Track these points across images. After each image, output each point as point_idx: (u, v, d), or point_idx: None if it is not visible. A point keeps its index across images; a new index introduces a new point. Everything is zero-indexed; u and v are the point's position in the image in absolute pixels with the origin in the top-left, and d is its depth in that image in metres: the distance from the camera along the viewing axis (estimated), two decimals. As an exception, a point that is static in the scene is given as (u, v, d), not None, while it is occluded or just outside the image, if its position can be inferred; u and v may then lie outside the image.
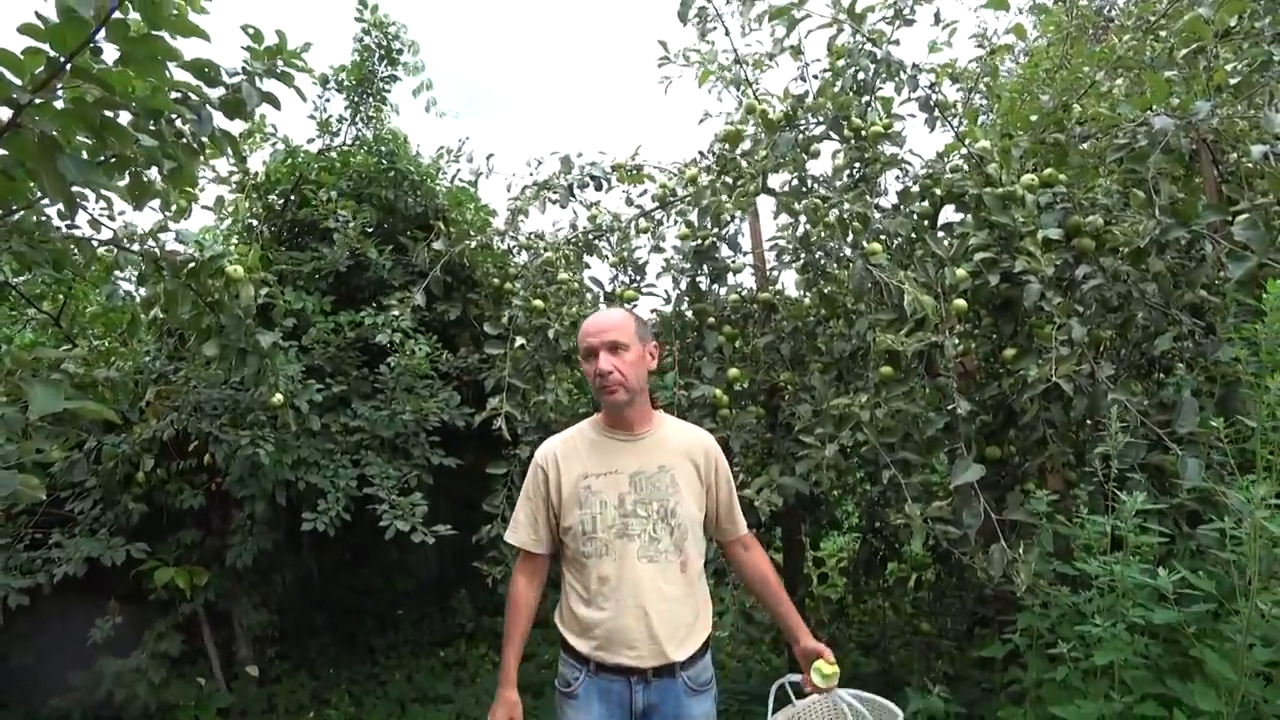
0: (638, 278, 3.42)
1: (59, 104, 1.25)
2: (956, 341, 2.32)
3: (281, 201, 3.91)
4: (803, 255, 2.90)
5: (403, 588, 4.56)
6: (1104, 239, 2.59)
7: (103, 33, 1.27)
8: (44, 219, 2.23)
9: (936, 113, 2.89)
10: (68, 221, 2.36)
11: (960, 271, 2.47)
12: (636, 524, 1.71)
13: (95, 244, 2.44)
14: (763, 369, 3.00)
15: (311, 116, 3.98)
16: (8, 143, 1.26)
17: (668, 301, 3.32)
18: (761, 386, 3.14)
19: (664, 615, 1.68)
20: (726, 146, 2.99)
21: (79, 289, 3.32)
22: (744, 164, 2.89)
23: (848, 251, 2.66)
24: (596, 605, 1.71)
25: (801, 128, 2.97)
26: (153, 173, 2.27)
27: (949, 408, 2.23)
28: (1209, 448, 2.16)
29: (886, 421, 2.30)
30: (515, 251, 3.71)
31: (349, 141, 4.05)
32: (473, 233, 3.66)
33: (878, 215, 2.77)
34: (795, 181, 2.86)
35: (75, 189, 2.32)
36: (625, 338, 1.72)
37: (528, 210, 3.56)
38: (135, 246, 2.57)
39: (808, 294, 3.29)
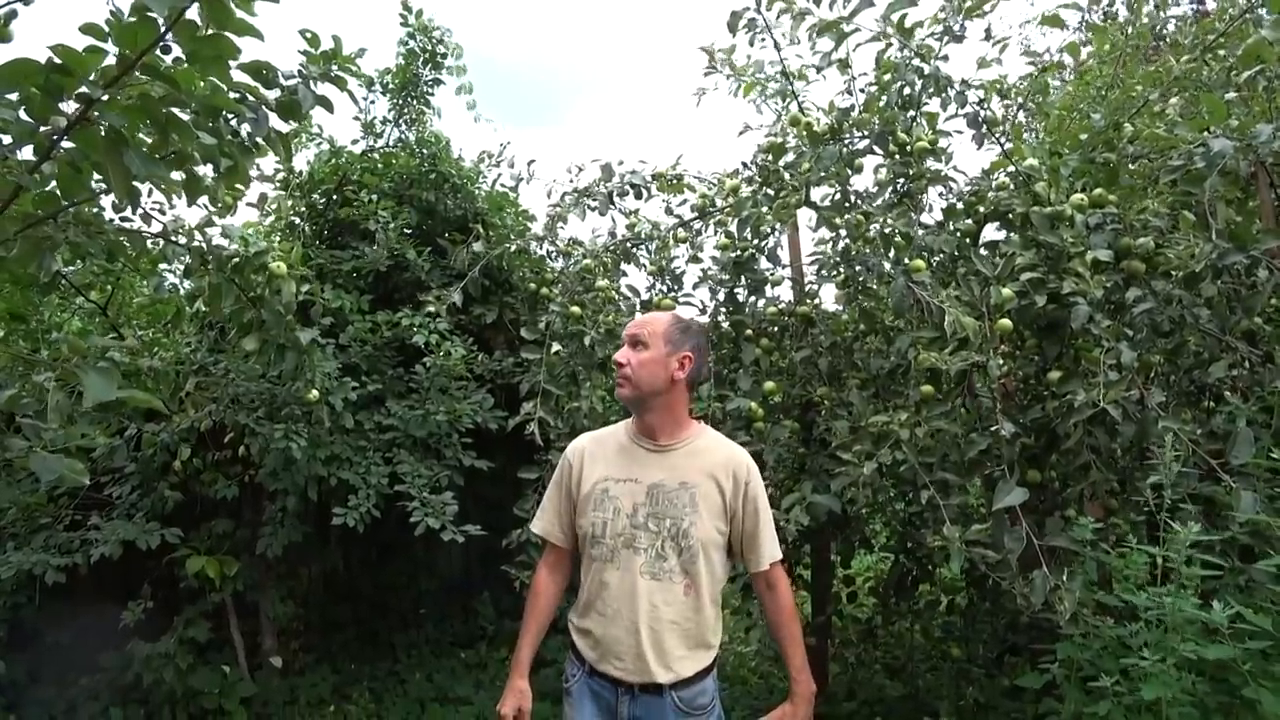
0: (675, 287, 3.41)
1: (126, 100, 1.28)
2: (1001, 362, 2.27)
3: (324, 201, 3.97)
4: (843, 270, 2.87)
5: (426, 587, 4.58)
6: (1154, 262, 2.53)
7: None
8: (99, 209, 2.29)
9: (985, 129, 2.85)
10: (122, 214, 2.43)
11: (1006, 291, 2.42)
12: (644, 537, 1.67)
13: (146, 237, 2.50)
14: (799, 383, 2.97)
15: (356, 118, 4.04)
16: (76, 136, 1.29)
17: (703, 312, 3.31)
18: (795, 401, 3.11)
19: (656, 636, 1.63)
20: (769, 158, 2.97)
21: (126, 280, 3.40)
22: (786, 176, 2.86)
23: (889, 267, 2.62)
24: (595, 610, 1.69)
25: (846, 141, 2.95)
26: (205, 170, 2.33)
27: (992, 429, 2.18)
28: (1263, 480, 2.09)
29: (926, 441, 2.26)
30: (553, 256, 3.72)
31: (392, 143, 4.10)
32: (513, 236, 3.68)
33: (921, 232, 2.74)
34: (838, 195, 2.83)
35: (136, 192, 2.40)
36: (650, 336, 1.69)
37: (567, 217, 3.57)
38: (183, 240, 2.62)
39: (845, 309, 3.26)
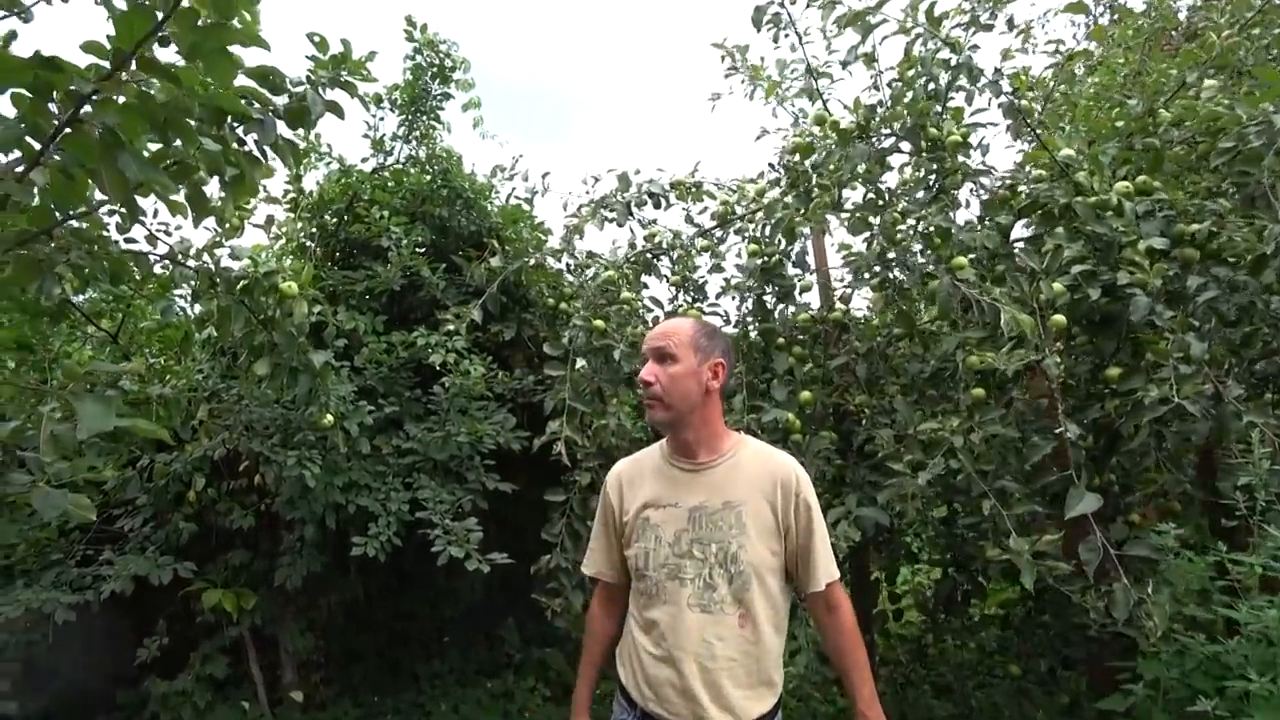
0: (698, 298, 3.28)
1: (121, 99, 1.17)
2: (1058, 360, 2.12)
3: (335, 221, 3.89)
4: (877, 272, 2.73)
5: (449, 615, 4.43)
6: (1209, 249, 2.38)
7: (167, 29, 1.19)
8: (104, 233, 2.20)
9: (1021, 119, 2.72)
10: (126, 235, 2.34)
11: (1057, 285, 2.28)
12: (690, 566, 1.50)
13: (152, 259, 2.41)
14: (836, 391, 2.82)
15: (366, 135, 3.97)
16: (68, 141, 1.19)
17: (726, 321, 3.19)
18: (829, 410, 2.96)
19: (711, 675, 1.47)
20: (797, 158, 2.85)
21: (136, 306, 3.31)
22: (815, 177, 2.74)
23: (930, 267, 2.49)
24: (644, 648, 1.54)
25: (874, 139, 2.83)
26: (212, 187, 2.23)
27: (1056, 431, 2.02)
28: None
29: (981, 447, 2.10)
30: (573, 270, 3.61)
31: (402, 160, 4.02)
32: (532, 249, 3.57)
33: (959, 228, 2.61)
34: (871, 195, 2.70)
35: (135, 202, 2.29)
36: (677, 347, 1.53)
37: (584, 229, 3.47)
38: (191, 263, 2.53)
39: (876, 314, 3.13)
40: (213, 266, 2.54)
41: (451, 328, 3.11)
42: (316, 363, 2.74)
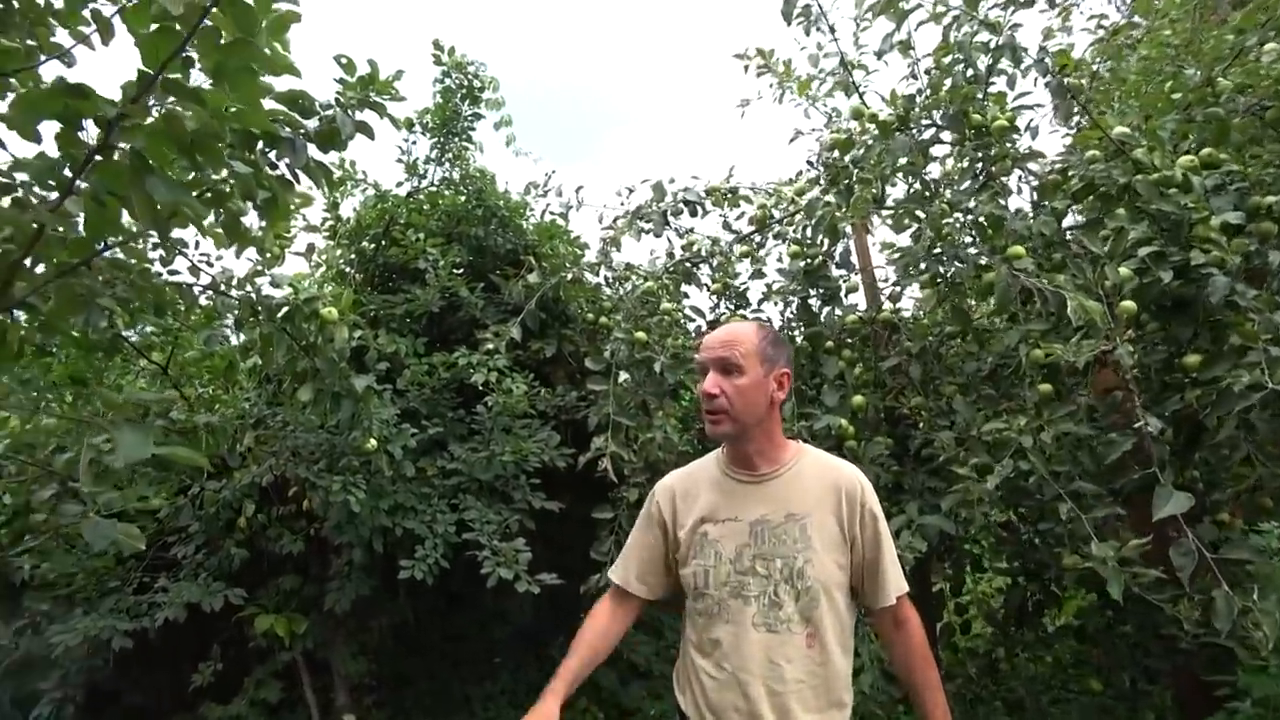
0: (740, 305, 3.20)
1: (149, 121, 1.16)
2: (1131, 349, 1.97)
3: (373, 246, 3.93)
4: (926, 267, 2.61)
5: (499, 636, 4.39)
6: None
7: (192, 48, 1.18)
8: (148, 265, 2.24)
9: (1070, 97, 2.59)
10: (169, 267, 2.37)
11: (1124, 270, 2.14)
12: (754, 583, 1.42)
13: (196, 290, 2.44)
14: (889, 395, 2.70)
15: (399, 160, 4.01)
16: (99, 168, 1.18)
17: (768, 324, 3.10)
18: (883, 414, 2.84)
19: (779, 699, 1.38)
20: (836, 155, 2.76)
21: (183, 338, 3.38)
22: (856, 172, 2.65)
23: (984, 259, 2.37)
24: (705, 672, 1.45)
25: (915, 130, 2.72)
26: (251, 218, 2.24)
27: (1134, 426, 1.88)
28: None
29: (1052, 447, 1.97)
30: (611, 283, 3.56)
31: (436, 182, 4.05)
32: (568, 264, 3.54)
33: (1012, 215, 2.48)
34: (917, 186, 2.60)
35: (174, 235, 2.32)
36: (742, 357, 1.43)
37: (620, 241, 3.42)
38: (233, 292, 2.56)
39: (927, 312, 3.00)
40: (254, 295, 2.57)
41: (491, 346, 3.09)
42: (358, 387, 2.74)
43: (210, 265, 2.55)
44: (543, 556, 2.99)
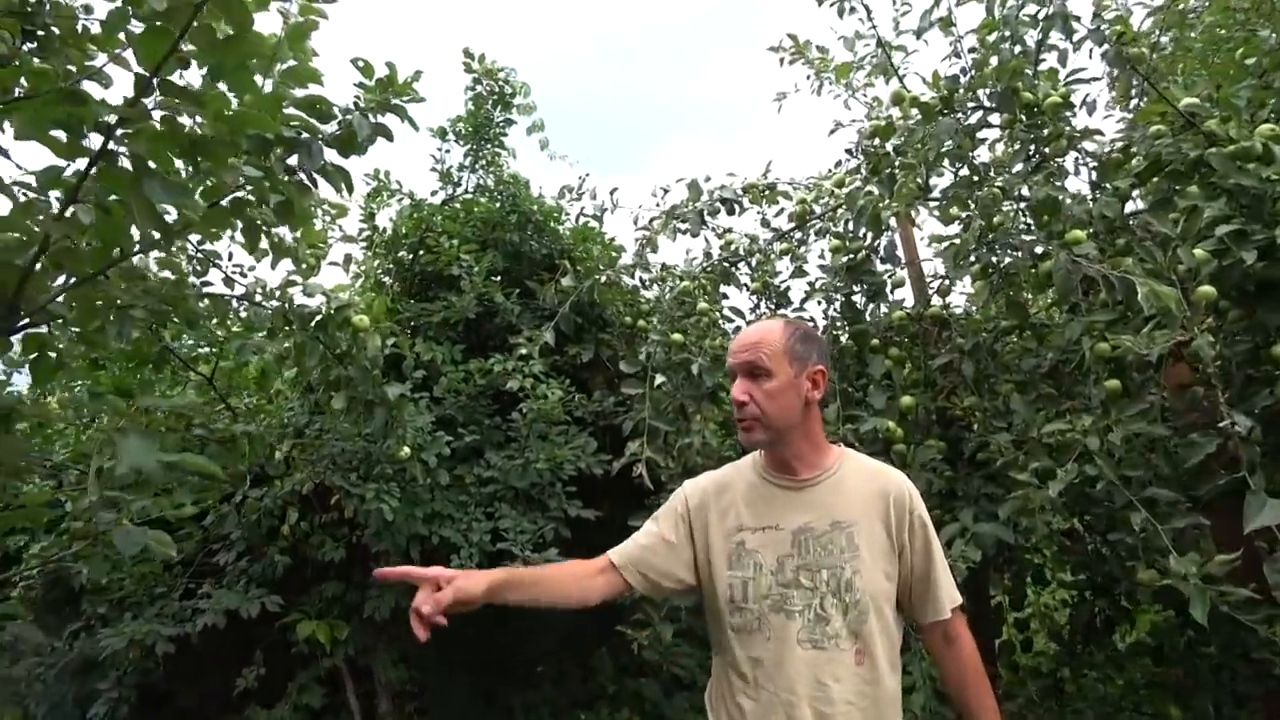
0: (781, 304, 3.08)
1: (150, 124, 1.14)
2: (1211, 339, 1.79)
3: (410, 256, 3.94)
4: (978, 258, 2.45)
5: (542, 645, 4.34)
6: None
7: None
8: (184, 275, 2.26)
9: (1130, 68, 2.39)
10: (203, 278, 2.40)
11: (1199, 252, 1.95)
12: (799, 597, 1.31)
13: (229, 301, 2.46)
14: (940, 395, 2.54)
15: (433, 169, 4.02)
16: (101, 175, 1.16)
17: (814, 327, 2.97)
18: (934, 416, 2.68)
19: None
20: (877, 142, 2.62)
21: (226, 350, 3.44)
22: (899, 159, 2.50)
23: (1038, 246, 2.20)
24: (743, 693, 1.34)
25: (960, 112, 2.56)
26: (283, 229, 2.23)
27: (1219, 425, 1.70)
28: None
29: (1121, 449, 1.80)
30: (648, 285, 3.49)
31: (471, 189, 4.05)
32: (603, 266, 3.48)
33: (1069, 199, 2.30)
34: (964, 172, 2.44)
35: (208, 246, 2.33)
36: (769, 359, 1.33)
37: (657, 242, 3.34)
38: (267, 302, 2.58)
39: (980, 306, 2.83)
40: (286, 305, 2.58)
41: (524, 351, 3.04)
42: (391, 395, 2.73)
43: (244, 276, 2.58)
44: (581, 565, 2.92)
